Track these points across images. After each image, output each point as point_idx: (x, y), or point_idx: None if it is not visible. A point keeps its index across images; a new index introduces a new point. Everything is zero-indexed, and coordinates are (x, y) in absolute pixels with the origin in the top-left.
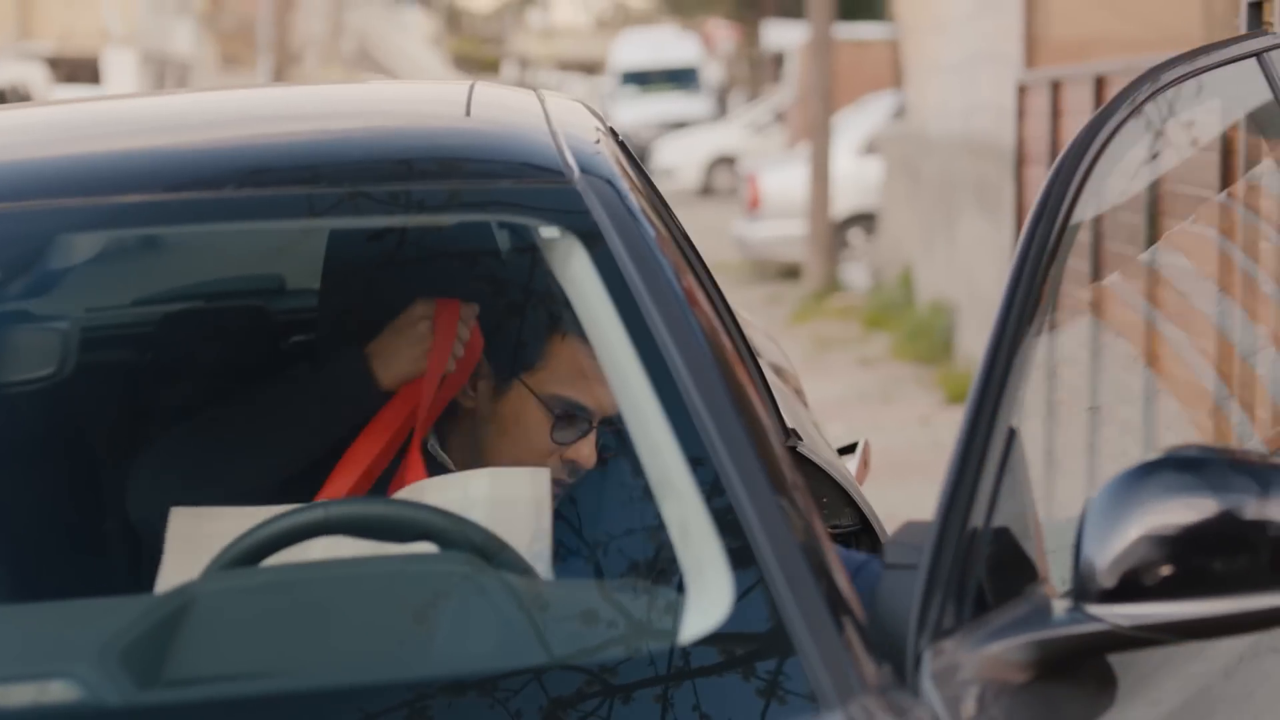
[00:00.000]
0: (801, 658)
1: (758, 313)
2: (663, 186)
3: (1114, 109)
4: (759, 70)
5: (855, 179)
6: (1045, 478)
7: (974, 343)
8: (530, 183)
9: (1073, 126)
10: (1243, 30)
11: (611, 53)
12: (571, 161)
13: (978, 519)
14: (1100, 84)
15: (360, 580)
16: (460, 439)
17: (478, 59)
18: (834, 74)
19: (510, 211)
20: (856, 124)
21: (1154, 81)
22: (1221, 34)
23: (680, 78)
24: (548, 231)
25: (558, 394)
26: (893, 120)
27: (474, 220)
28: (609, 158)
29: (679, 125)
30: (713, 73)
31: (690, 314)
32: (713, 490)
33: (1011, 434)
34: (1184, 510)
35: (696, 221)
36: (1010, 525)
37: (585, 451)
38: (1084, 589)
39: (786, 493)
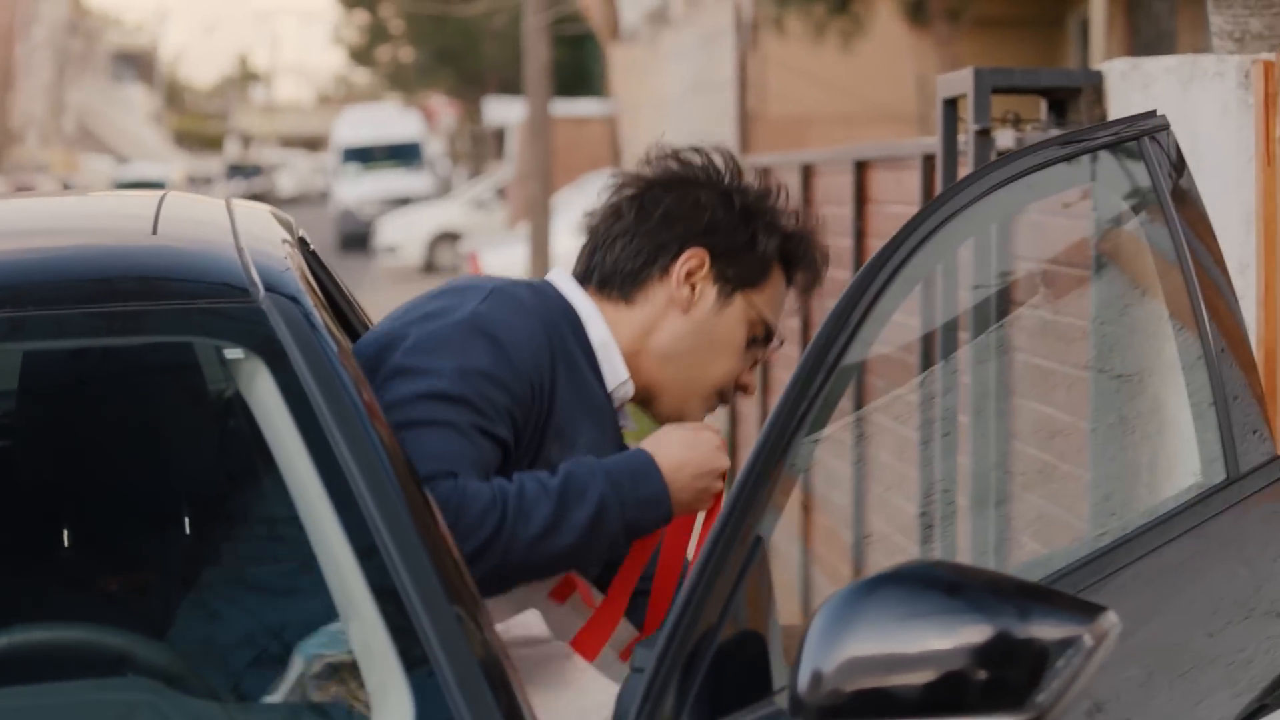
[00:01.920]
0: None
1: None
2: (386, 264)
3: (904, 237)
4: (481, 146)
5: (575, 256)
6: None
7: None
8: (217, 302)
9: None
10: (940, 124)
11: (334, 129)
12: (257, 279)
13: (711, 624)
14: (808, 172)
15: (35, 710)
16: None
17: (200, 135)
18: (553, 151)
19: (197, 332)
20: (576, 202)
21: (939, 213)
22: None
23: (402, 154)
24: (233, 352)
25: (764, 316)
26: None
27: (162, 342)
28: (294, 273)
29: (402, 201)
30: (435, 149)
31: (371, 433)
32: (392, 608)
33: (758, 541)
34: (897, 628)
35: None
36: (749, 632)
37: (753, 378)
38: (799, 704)
39: (465, 604)
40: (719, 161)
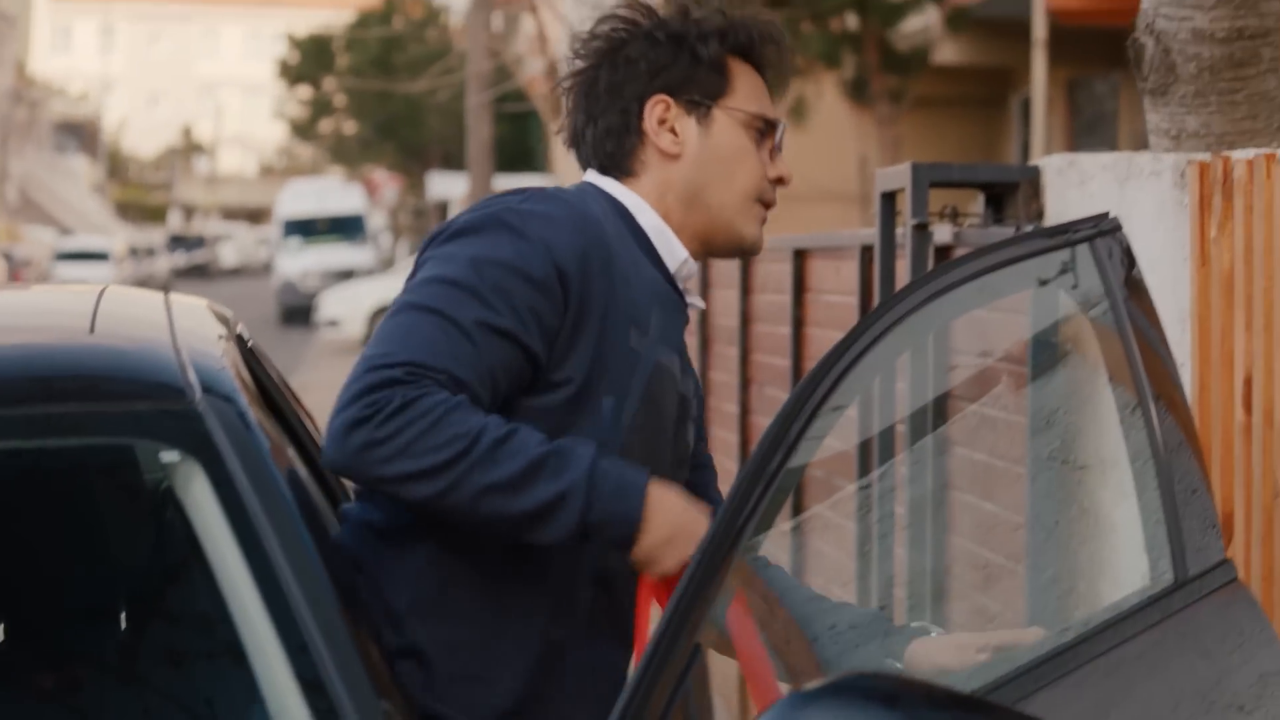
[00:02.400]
0: None
1: None
2: (328, 338)
3: (853, 340)
4: (424, 220)
5: None
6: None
7: None
8: (153, 404)
9: (722, 298)
10: (878, 218)
11: (277, 201)
12: (194, 379)
13: None
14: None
15: None
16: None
17: (143, 206)
18: None
19: (134, 434)
20: None
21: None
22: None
23: (345, 227)
24: (169, 455)
25: (753, 111)
26: None
27: (99, 444)
28: (230, 373)
29: (344, 275)
30: (378, 222)
31: (303, 533)
32: (322, 705)
33: (696, 650)
34: None
35: None
36: None
37: (784, 164)
38: None
39: (392, 699)
40: (629, 13)
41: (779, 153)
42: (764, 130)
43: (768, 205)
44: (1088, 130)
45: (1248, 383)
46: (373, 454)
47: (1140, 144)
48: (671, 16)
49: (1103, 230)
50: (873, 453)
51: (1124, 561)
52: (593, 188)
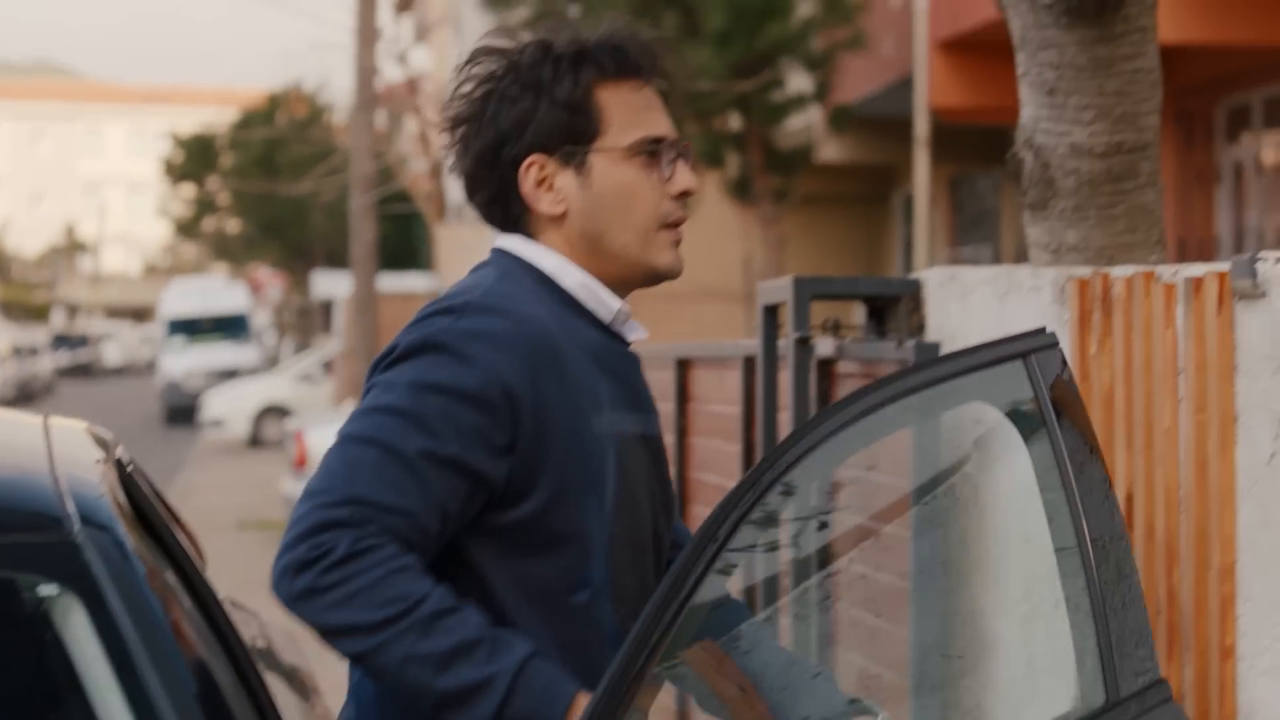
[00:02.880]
0: None
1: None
2: (212, 438)
3: (738, 498)
4: (308, 319)
5: None
6: None
7: None
8: (32, 536)
9: None
10: (760, 330)
11: (161, 300)
12: (72, 510)
13: None
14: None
15: None
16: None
17: (26, 305)
18: (379, 327)
19: (11, 567)
20: None
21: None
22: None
23: (229, 326)
24: (46, 588)
25: (635, 138)
26: None
27: None
28: (109, 500)
29: (229, 374)
30: (262, 320)
31: (181, 662)
32: None
33: None
34: None
35: (246, 476)
36: None
37: (685, 175)
38: None
39: None
40: (485, 65)
41: (680, 160)
42: (654, 150)
43: (676, 224)
44: (970, 226)
45: (1128, 499)
46: (315, 601)
47: (1021, 240)
48: (530, 55)
49: (1036, 346)
50: (788, 576)
51: (1057, 683)
52: (509, 260)
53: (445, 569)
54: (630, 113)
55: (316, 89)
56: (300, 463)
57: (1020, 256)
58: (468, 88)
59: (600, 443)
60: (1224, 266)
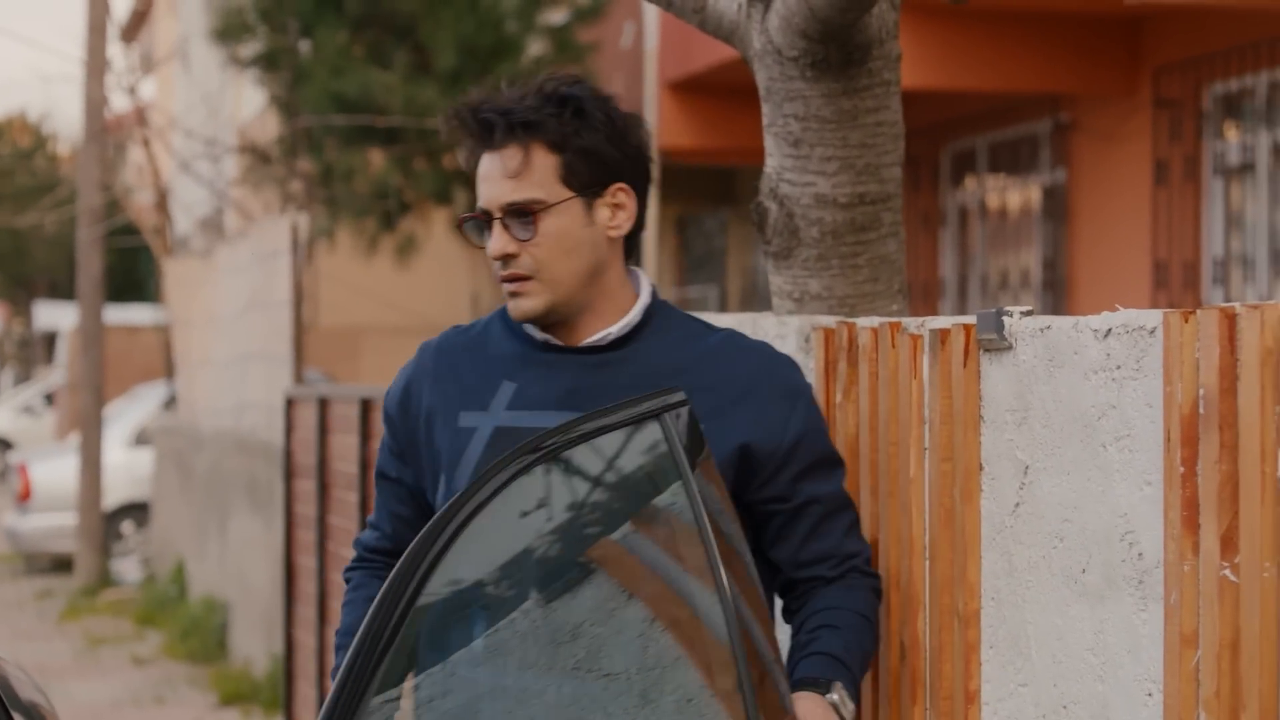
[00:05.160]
0: None
1: (28, 609)
2: None
3: (475, 491)
4: (30, 350)
5: (127, 469)
6: None
7: (247, 642)
8: None
9: (341, 443)
10: None
11: None
12: None
13: None
14: (366, 406)
15: None
16: None
17: None
18: (105, 359)
19: None
20: (128, 413)
21: (518, 463)
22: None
23: None
24: None
25: (470, 215)
26: (164, 411)
27: None
28: None
29: None
30: None
31: None
32: None
33: None
34: None
35: None
36: None
37: (494, 244)
38: None
39: None
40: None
41: (494, 226)
42: (485, 220)
43: (505, 280)
44: (697, 265)
45: (874, 545)
46: None
47: (747, 279)
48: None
49: (670, 404)
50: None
51: None
52: None
53: None
54: (480, 185)
55: (40, 118)
56: (25, 496)
57: (746, 297)
58: None
59: (465, 433)
60: (969, 319)
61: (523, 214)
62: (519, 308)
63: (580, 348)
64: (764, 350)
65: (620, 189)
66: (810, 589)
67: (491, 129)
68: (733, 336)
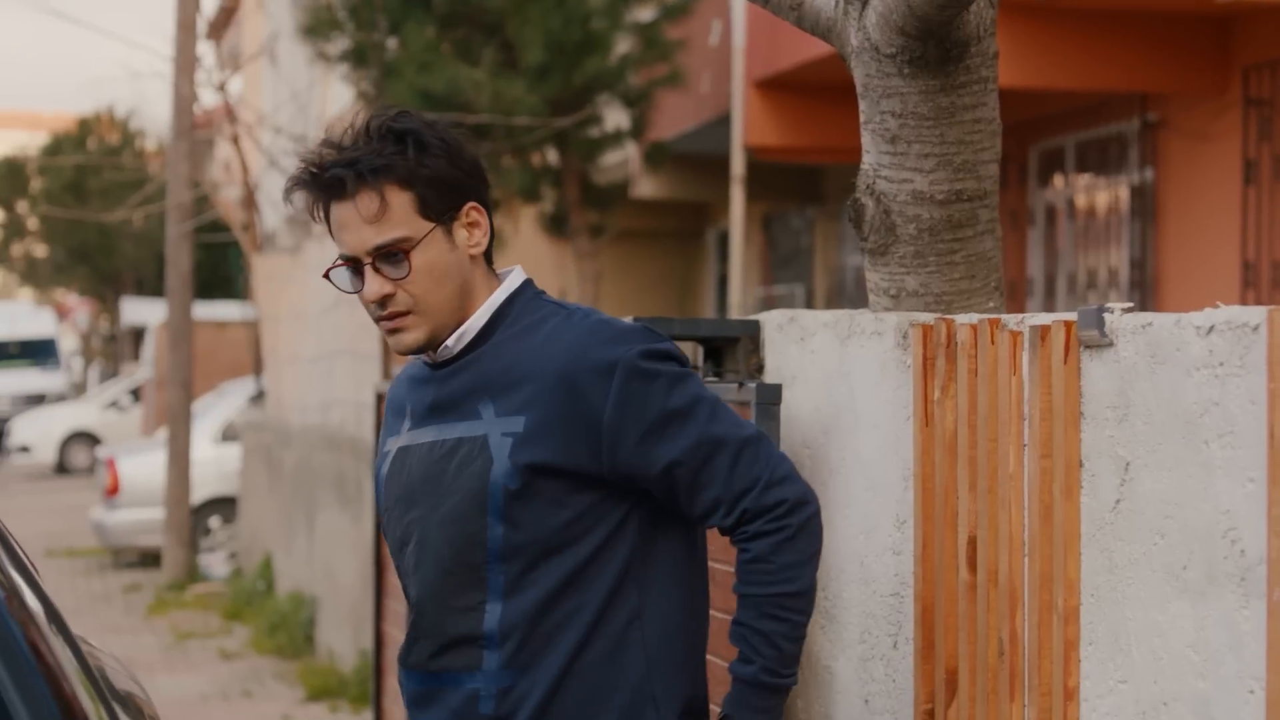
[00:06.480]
0: None
1: (116, 603)
2: (19, 464)
3: None
4: (118, 345)
5: (215, 464)
6: None
7: (335, 637)
8: None
9: None
10: None
11: None
12: None
13: None
14: None
15: None
16: None
17: None
18: (193, 355)
19: None
20: (216, 409)
21: None
22: None
23: (36, 351)
24: None
25: (335, 261)
26: (252, 407)
27: None
28: None
29: (36, 399)
30: (69, 347)
31: (45, 688)
32: None
33: None
34: None
35: (53, 504)
36: None
37: (371, 289)
38: None
39: None
40: None
41: (368, 270)
42: (353, 266)
43: (384, 319)
44: (783, 264)
45: (972, 542)
46: None
47: (834, 277)
48: None
49: None
50: None
51: None
52: None
53: None
54: (337, 233)
55: (129, 114)
56: (113, 490)
57: (833, 295)
58: None
59: (382, 458)
60: (1070, 316)
61: (392, 255)
62: (401, 342)
63: (439, 362)
64: (589, 329)
65: (472, 207)
66: (737, 545)
67: (342, 182)
68: (567, 320)
